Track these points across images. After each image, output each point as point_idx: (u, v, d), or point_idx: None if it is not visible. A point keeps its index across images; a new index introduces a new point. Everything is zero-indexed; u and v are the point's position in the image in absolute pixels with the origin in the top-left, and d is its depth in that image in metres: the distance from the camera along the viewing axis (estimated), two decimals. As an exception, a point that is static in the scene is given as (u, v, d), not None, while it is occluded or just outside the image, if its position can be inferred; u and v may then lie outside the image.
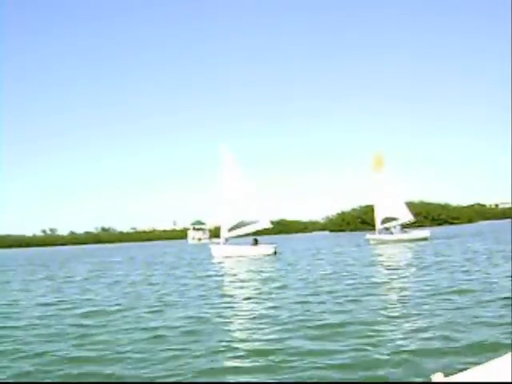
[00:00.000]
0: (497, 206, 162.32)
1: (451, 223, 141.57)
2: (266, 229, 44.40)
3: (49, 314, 13.87)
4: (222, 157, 44.94)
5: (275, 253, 40.13)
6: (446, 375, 2.85)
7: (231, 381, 6.76)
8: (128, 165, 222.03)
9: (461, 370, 3.01)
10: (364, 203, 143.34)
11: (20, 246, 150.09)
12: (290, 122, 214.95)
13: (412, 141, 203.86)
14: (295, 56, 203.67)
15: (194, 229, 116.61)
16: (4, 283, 25.86)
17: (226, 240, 42.96)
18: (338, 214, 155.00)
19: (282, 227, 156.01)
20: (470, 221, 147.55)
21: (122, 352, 8.87)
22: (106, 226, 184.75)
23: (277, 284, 18.55)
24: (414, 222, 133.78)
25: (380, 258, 30.58)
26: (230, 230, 42.74)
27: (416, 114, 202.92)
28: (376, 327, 9.81)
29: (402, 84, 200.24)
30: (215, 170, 45.30)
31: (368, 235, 53.92)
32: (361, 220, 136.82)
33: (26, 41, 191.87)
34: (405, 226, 55.67)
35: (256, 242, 41.94)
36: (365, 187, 58.26)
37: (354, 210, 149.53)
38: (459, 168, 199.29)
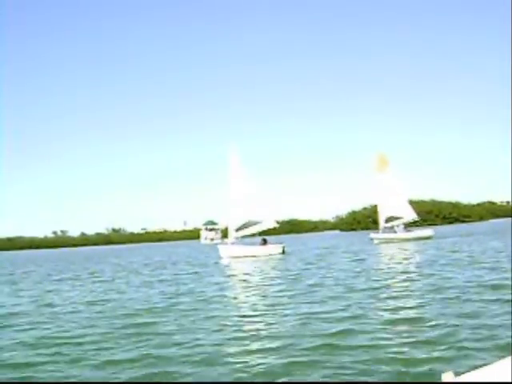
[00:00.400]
0: (508, 203, 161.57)
1: (462, 221, 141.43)
2: (275, 228, 44.82)
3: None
4: (228, 157, 45.80)
5: (283, 252, 40.65)
6: (457, 374, 2.81)
7: (231, 381, 6.76)
8: (137, 166, 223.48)
9: (471, 369, 2.94)
10: (375, 202, 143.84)
11: (31, 247, 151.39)
12: (299, 122, 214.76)
13: (423, 139, 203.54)
14: (296, 55, 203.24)
15: (206, 229, 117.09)
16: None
17: (236, 239, 43.43)
18: (349, 213, 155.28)
19: (293, 226, 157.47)
20: (481, 219, 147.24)
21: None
22: (117, 227, 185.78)
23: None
24: (425, 221, 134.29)
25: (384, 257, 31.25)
26: (238, 230, 43.37)
27: (424, 111, 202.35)
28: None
29: (408, 82, 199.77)
30: (224, 170, 46.02)
31: (372, 234, 54.55)
32: (372, 219, 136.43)
33: (26, 44, 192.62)
34: (410, 225, 56.13)
35: (265, 242, 42.52)
36: (373, 186, 58.37)
37: (365, 209, 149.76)
38: (469, 166, 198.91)
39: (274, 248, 41.62)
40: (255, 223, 43.09)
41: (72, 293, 20.28)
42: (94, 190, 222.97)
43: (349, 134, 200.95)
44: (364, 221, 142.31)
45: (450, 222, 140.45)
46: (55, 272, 35.90)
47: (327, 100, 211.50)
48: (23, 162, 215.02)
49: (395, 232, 53.33)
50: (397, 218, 54.03)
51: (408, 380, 6.71)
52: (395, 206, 53.82)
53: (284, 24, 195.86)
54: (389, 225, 54.67)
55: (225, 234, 44.33)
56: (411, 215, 54.40)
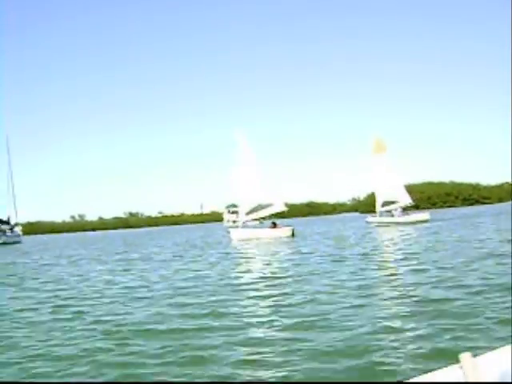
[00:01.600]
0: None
1: (482, 203, 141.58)
2: (293, 211, 46.33)
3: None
4: (237, 142, 47.45)
5: (293, 235, 41.62)
6: (475, 355, 2.82)
7: (231, 381, 6.97)
8: (151, 150, 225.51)
9: (489, 350, 2.97)
10: (372, 186, 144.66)
11: (52, 232, 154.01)
12: (319, 106, 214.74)
13: (442, 123, 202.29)
14: (296, 40, 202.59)
15: (228, 212, 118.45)
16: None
17: (247, 222, 45.95)
18: (368, 195, 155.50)
19: (312, 209, 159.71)
20: (500, 200, 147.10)
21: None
22: (133, 211, 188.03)
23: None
24: (445, 202, 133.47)
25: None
26: (248, 213, 45.34)
27: (439, 96, 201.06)
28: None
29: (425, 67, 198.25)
30: (233, 155, 47.91)
31: (369, 218, 56.02)
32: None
33: (26, 36, 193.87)
34: (411, 208, 57.34)
35: (275, 225, 43.98)
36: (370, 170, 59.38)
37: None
38: (487, 147, 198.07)
39: (283, 231, 42.86)
40: (265, 206, 44.79)
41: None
42: (111, 174, 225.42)
43: (363, 118, 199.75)
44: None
45: (471, 204, 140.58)
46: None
47: (349, 82, 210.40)
48: (39, 146, 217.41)
49: (392, 215, 54.63)
50: (392, 203, 55.48)
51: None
52: (391, 190, 54.84)
53: (282, 10, 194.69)
54: (386, 208, 55.96)
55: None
56: (406, 199, 55.64)
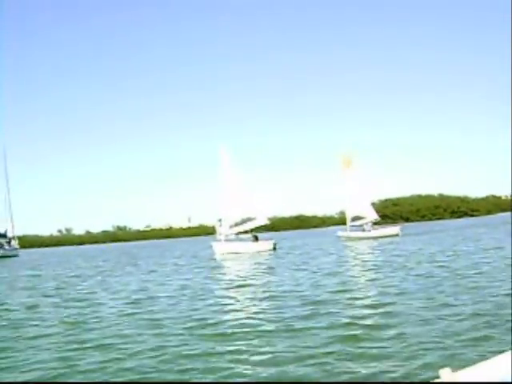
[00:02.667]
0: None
1: (471, 215, 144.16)
2: (282, 224, 48.06)
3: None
4: (220, 157, 49.15)
5: (275, 248, 43.32)
6: (454, 370, 2.86)
7: (231, 381, 7.09)
8: (138, 163, 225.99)
9: (468, 365, 3.00)
10: (383, 197, 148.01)
11: (40, 246, 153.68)
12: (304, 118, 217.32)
13: (432, 133, 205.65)
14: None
15: (221, 225, 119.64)
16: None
17: (228, 236, 47.89)
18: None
19: (301, 222, 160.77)
20: (488, 213, 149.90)
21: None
22: (121, 225, 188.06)
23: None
24: (434, 215, 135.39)
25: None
26: (231, 227, 47.54)
27: (427, 107, 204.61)
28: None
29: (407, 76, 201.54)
30: (217, 169, 49.72)
31: (339, 232, 58.45)
32: (381, 214, 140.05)
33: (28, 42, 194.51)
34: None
35: (256, 239, 45.78)
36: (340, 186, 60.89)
37: (373, 204, 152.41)
38: (472, 160, 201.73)
39: (264, 245, 44.68)
40: (248, 220, 46.86)
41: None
42: (97, 188, 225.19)
43: (350, 131, 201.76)
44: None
45: (459, 216, 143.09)
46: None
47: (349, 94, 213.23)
48: (26, 161, 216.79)
49: (363, 230, 57.16)
50: (361, 218, 58.30)
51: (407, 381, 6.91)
52: (358, 205, 58.28)
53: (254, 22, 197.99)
54: (358, 223, 57.75)
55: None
56: (372, 215, 58.61)
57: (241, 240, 47.52)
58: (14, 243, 74.57)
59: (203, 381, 7.23)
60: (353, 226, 59.37)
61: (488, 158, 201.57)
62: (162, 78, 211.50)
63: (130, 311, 14.34)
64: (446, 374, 2.83)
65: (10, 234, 74.33)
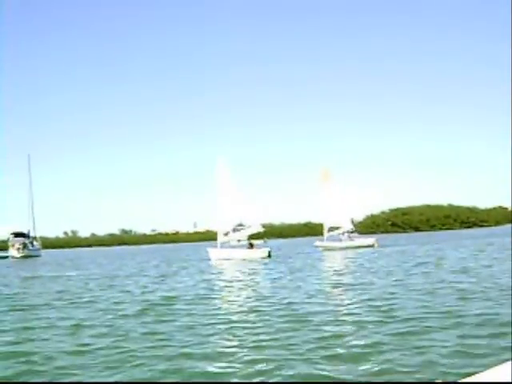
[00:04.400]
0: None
1: (480, 226, 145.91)
2: (292, 231, 50.06)
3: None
4: (217, 167, 50.98)
5: (269, 256, 45.00)
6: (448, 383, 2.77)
7: (232, 381, 7.25)
8: (146, 167, 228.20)
9: (461, 377, 3.05)
10: (393, 206, 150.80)
11: (49, 247, 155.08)
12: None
13: (441, 144, 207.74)
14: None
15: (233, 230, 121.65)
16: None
17: (225, 243, 49.57)
18: (368, 217, 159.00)
19: (309, 229, 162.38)
20: (497, 223, 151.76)
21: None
22: (126, 228, 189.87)
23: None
24: (444, 225, 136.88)
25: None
26: (226, 234, 49.44)
27: (439, 117, 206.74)
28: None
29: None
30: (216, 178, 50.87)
31: (317, 242, 62.26)
32: (391, 222, 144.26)
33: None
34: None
35: (251, 246, 47.92)
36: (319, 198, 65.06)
37: (383, 212, 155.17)
38: (480, 171, 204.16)
39: (259, 252, 46.67)
40: (243, 228, 49.14)
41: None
42: (103, 191, 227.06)
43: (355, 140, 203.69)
44: (383, 224, 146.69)
45: (469, 227, 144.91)
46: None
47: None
48: (32, 164, 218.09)
49: (340, 240, 61.14)
50: (337, 228, 61.82)
51: None
52: (335, 216, 61.66)
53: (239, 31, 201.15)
54: (334, 233, 62.20)
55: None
56: (348, 226, 62.07)
57: (242, 247, 49.01)
58: (37, 243, 76.86)
59: (203, 381, 7.45)
60: (330, 236, 63.10)
61: (495, 168, 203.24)
62: (184, 80, 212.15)
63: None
64: None
65: (32, 234, 76.69)
